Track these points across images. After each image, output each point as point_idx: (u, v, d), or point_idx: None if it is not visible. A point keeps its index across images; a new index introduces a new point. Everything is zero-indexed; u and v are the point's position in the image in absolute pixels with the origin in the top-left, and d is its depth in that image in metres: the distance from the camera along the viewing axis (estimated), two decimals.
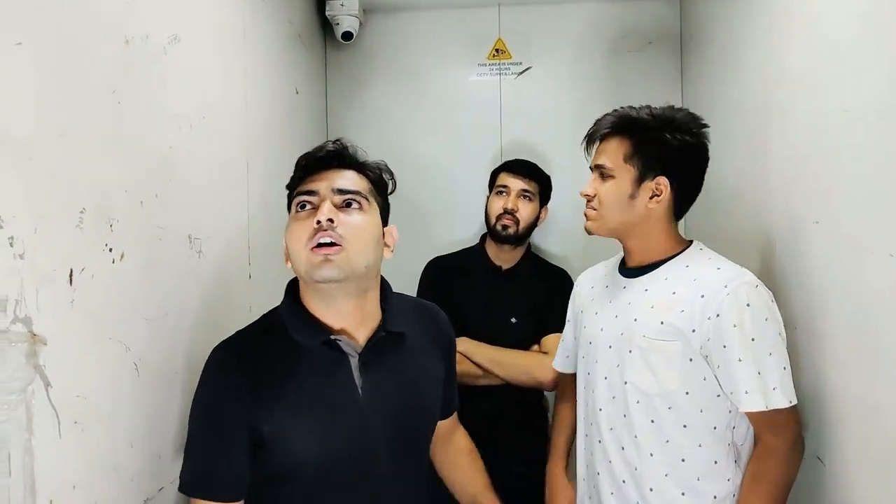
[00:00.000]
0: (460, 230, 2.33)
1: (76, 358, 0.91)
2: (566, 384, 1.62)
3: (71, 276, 0.90)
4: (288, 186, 1.17)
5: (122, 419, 1.03)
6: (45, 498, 0.85)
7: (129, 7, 1.04)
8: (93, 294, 0.94)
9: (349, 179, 1.12)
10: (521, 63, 2.35)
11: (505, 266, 1.94)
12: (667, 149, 1.29)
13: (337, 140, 1.18)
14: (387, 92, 2.39)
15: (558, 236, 2.28)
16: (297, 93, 2.02)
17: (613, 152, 1.32)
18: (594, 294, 1.46)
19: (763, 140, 1.51)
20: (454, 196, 2.36)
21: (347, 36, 2.24)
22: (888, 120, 1.00)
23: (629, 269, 1.38)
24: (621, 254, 1.45)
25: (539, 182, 1.92)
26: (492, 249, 1.95)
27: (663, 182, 1.30)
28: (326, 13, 2.24)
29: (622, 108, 1.36)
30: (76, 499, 0.91)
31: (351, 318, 1.10)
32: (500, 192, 1.91)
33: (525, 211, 1.88)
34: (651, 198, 1.31)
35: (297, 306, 1.11)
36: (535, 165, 1.95)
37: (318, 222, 1.03)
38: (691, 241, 1.37)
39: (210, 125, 1.34)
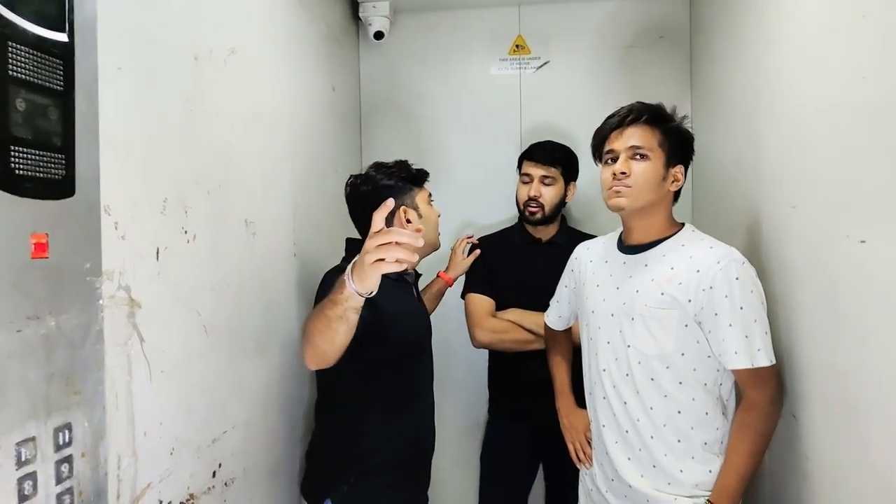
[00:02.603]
0: (490, 213, 2.49)
1: (161, 319, 1.12)
2: (556, 338, 1.84)
3: (157, 253, 1.11)
4: (413, 181, 1.71)
5: (194, 372, 1.25)
6: (141, 430, 1.07)
7: (196, 28, 1.25)
8: (173, 268, 1.16)
9: None
10: (539, 58, 2.50)
11: (545, 238, 2.12)
12: (685, 141, 1.52)
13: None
14: (415, 86, 2.57)
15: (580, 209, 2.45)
16: (334, 90, 2.21)
17: (647, 137, 1.46)
18: (594, 268, 1.63)
19: (755, 130, 1.65)
20: (481, 182, 2.53)
21: (379, 35, 2.42)
22: (859, 116, 1.13)
23: (628, 247, 1.55)
24: (616, 232, 1.62)
25: (561, 164, 2.05)
26: (529, 226, 2.12)
27: (680, 170, 1.50)
28: (360, 14, 2.42)
29: (638, 102, 1.52)
30: (162, 432, 1.13)
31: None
32: (525, 181, 2.08)
33: (548, 196, 2.04)
34: (672, 182, 1.49)
35: None
36: (555, 148, 2.08)
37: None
38: (683, 224, 1.54)
39: (261, 124, 1.55)
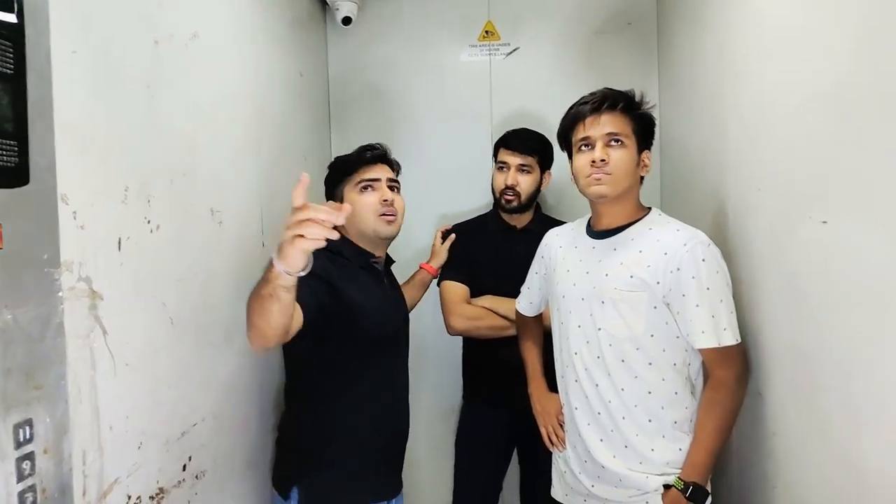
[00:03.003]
0: (461, 200, 2.48)
1: (125, 311, 1.10)
2: (527, 323, 1.86)
3: (119, 243, 1.08)
4: (344, 171, 1.70)
5: (161, 364, 1.22)
6: (107, 424, 1.04)
7: (156, 11, 1.21)
8: (136, 258, 1.13)
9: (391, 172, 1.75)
10: (509, 44, 2.49)
11: (520, 226, 2.11)
12: (651, 126, 1.55)
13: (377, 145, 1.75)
14: (384, 73, 2.54)
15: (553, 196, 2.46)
16: (301, 76, 2.18)
17: (622, 123, 1.48)
18: (564, 254, 1.64)
19: (721, 114, 1.67)
20: (452, 168, 2.51)
21: (347, 21, 2.38)
22: (823, 100, 1.14)
23: (597, 232, 1.57)
24: (585, 218, 1.64)
25: (538, 153, 2.05)
26: (504, 214, 2.11)
27: (648, 155, 1.54)
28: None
29: (607, 88, 1.54)
30: (129, 426, 1.11)
31: (382, 251, 1.73)
32: (501, 168, 2.07)
33: (525, 184, 2.03)
34: (643, 167, 1.53)
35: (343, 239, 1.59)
36: (532, 136, 2.07)
37: (385, 200, 1.65)
38: (650, 208, 1.56)
39: (226, 110, 1.52)
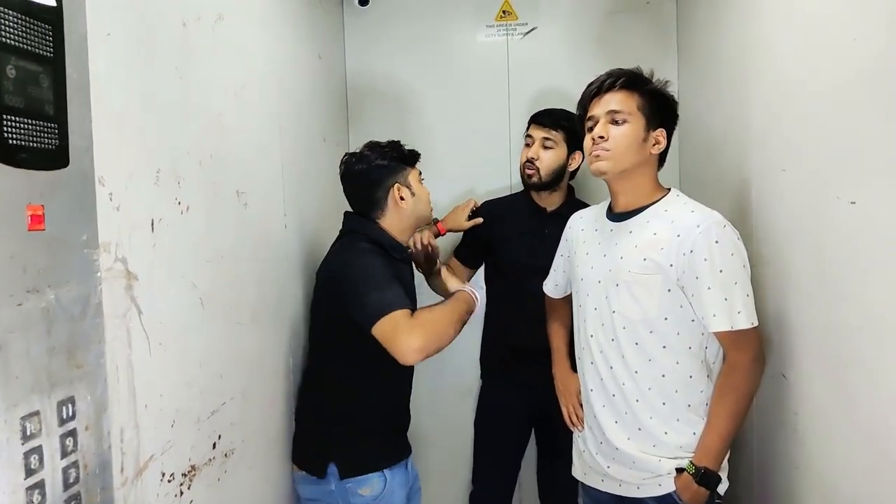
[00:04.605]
0: (477, 181, 2.48)
1: (158, 291, 1.11)
2: (555, 305, 1.87)
3: (152, 224, 1.09)
4: (408, 160, 1.77)
5: (192, 344, 1.24)
6: (142, 402, 1.06)
7: None
8: (168, 239, 1.14)
9: None
10: (527, 24, 2.47)
11: (550, 208, 2.10)
12: (666, 104, 1.52)
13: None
14: (401, 54, 2.52)
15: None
16: (320, 58, 2.17)
17: (625, 101, 1.48)
18: (585, 236, 1.65)
19: (744, 95, 1.66)
20: (468, 150, 2.50)
21: (364, 1, 2.37)
22: (849, 77, 1.14)
23: (616, 215, 1.57)
24: (607, 201, 1.63)
25: (564, 130, 2.02)
26: (534, 194, 2.11)
27: (662, 133, 1.51)
28: None
29: (618, 69, 1.53)
30: (163, 404, 1.13)
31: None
32: (527, 144, 2.07)
33: (546, 159, 2.01)
34: (653, 145, 1.50)
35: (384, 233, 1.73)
36: (560, 114, 2.05)
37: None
38: (669, 189, 1.55)
39: (251, 93, 1.52)
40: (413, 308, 1.59)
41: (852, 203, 1.14)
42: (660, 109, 1.51)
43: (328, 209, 2.06)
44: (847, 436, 1.19)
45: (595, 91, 1.52)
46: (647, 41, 2.39)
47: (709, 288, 1.38)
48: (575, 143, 2.04)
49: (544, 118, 2.05)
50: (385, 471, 1.69)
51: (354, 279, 1.59)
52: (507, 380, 2.16)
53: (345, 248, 1.72)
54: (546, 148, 2.02)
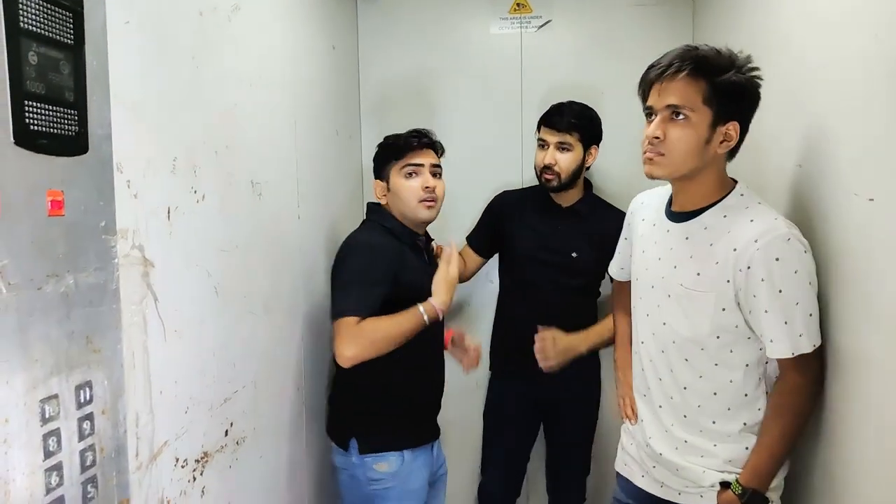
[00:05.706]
0: (490, 175, 2.46)
1: (174, 279, 1.12)
2: (621, 289, 1.73)
3: (169, 212, 1.10)
4: (392, 154, 1.79)
5: (206, 331, 1.25)
6: (157, 388, 1.07)
7: None
8: (184, 228, 1.15)
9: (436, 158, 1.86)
10: (541, 17, 2.46)
11: (566, 204, 2.08)
12: (741, 93, 1.28)
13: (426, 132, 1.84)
14: (414, 46, 2.52)
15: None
16: (334, 48, 2.17)
17: (689, 93, 1.26)
18: (643, 230, 1.53)
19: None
20: (480, 143, 2.49)
21: None
22: (869, 75, 1.13)
23: (674, 214, 1.43)
24: (671, 189, 1.46)
25: (578, 129, 1.98)
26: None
27: (734, 127, 1.29)
28: None
29: (686, 49, 1.30)
30: (177, 391, 1.14)
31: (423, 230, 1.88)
32: (541, 146, 2.04)
33: (564, 163, 1.98)
34: (721, 142, 1.30)
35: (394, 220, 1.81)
36: (573, 112, 2.00)
37: (427, 187, 1.76)
38: (735, 184, 1.38)
39: (266, 83, 1.53)
40: (421, 297, 1.70)
41: (871, 200, 1.13)
42: (733, 101, 1.28)
43: (341, 201, 2.07)
44: (865, 438, 1.17)
45: (656, 77, 1.30)
46: (662, 35, 2.36)
47: (766, 311, 1.25)
48: (589, 139, 2.02)
49: (557, 121, 1.99)
50: (405, 451, 1.76)
51: (339, 270, 1.73)
52: (517, 372, 2.16)
53: (358, 231, 1.82)
54: (563, 151, 1.99)
